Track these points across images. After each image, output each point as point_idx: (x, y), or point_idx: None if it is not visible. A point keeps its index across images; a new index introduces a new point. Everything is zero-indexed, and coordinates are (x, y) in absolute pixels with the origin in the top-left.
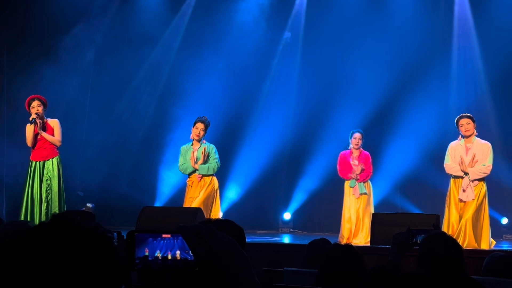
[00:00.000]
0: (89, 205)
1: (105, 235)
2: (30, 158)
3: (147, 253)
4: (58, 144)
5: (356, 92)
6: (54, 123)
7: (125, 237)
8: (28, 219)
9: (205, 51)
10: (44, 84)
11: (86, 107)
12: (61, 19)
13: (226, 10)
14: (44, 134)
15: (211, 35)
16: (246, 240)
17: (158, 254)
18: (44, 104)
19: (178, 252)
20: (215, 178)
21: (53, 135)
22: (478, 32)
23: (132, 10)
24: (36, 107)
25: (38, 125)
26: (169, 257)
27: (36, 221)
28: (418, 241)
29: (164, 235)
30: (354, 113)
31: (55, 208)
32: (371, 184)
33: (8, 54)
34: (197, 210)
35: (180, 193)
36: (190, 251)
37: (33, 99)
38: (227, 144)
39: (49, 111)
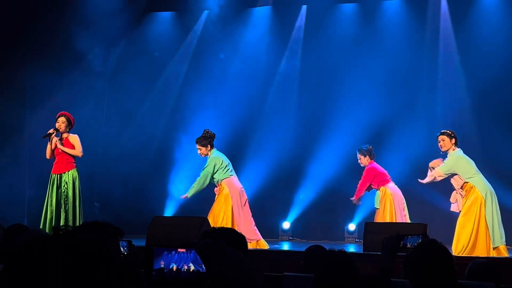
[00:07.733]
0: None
1: (99, 245)
2: (51, 171)
3: (162, 265)
4: (80, 154)
5: (351, 110)
6: (73, 138)
7: (135, 245)
8: (47, 230)
9: (210, 79)
10: (61, 105)
11: (103, 123)
12: (78, 40)
13: (230, 38)
14: (65, 149)
15: (216, 61)
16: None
17: (174, 266)
18: (69, 121)
19: (191, 265)
20: (224, 184)
21: (73, 149)
22: (460, 51)
23: (145, 34)
24: (60, 123)
25: (51, 140)
26: (184, 269)
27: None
28: (408, 245)
29: (179, 249)
30: (348, 129)
31: (71, 218)
32: (379, 194)
33: (30, 76)
34: (203, 221)
35: (189, 203)
36: (202, 264)
37: (60, 115)
38: (229, 156)
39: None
